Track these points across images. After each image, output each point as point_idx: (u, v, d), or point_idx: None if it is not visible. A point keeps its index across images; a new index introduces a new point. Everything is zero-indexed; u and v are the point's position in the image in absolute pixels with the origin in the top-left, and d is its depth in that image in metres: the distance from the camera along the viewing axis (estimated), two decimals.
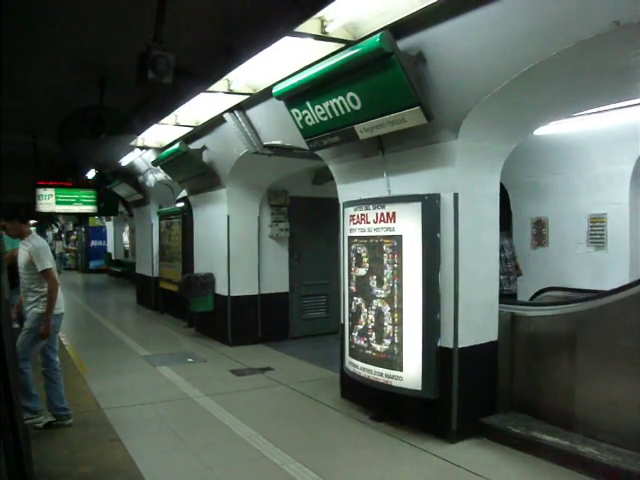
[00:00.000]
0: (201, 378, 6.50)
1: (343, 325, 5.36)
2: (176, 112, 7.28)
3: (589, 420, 4.13)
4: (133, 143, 9.40)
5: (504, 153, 4.73)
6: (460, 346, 4.42)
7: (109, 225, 26.62)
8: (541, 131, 6.17)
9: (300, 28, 4.23)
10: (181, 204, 11.30)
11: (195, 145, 8.48)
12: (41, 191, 12.69)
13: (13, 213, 5.02)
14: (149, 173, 11.73)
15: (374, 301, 4.76)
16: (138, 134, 8.72)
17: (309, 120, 5.11)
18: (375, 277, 4.75)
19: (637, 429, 3.82)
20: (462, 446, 4.38)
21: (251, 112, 6.77)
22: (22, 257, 4.92)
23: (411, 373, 4.49)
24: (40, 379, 4.91)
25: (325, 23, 4.33)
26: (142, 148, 10.12)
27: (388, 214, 4.61)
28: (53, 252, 24.81)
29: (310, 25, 4.26)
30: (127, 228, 24.60)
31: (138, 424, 5.04)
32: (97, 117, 7.37)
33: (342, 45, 4.54)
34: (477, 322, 4.58)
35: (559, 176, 7.44)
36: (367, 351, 4.84)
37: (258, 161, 7.51)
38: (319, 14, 4.17)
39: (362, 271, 4.91)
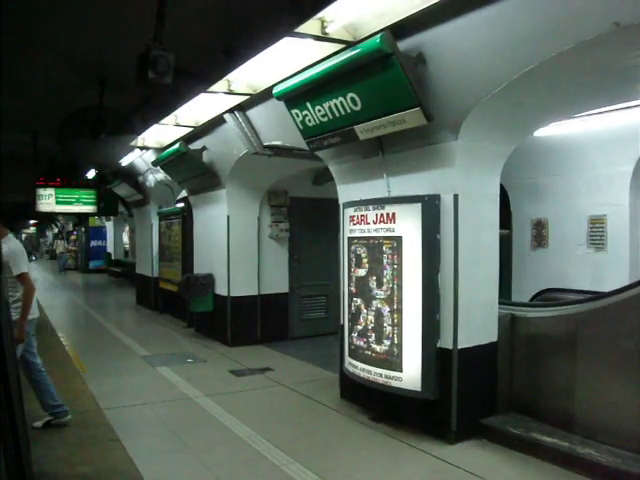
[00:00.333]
0: (201, 378, 6.49)
1: (343, 326, 5.36)
2: (176, 112, 7.27)
3: (589, 421, 4.13)
4: (133, 143, 9.41)
5: (504, 154, 4.73)
6: (460, 347, 4.42)
7: (109, 225, 26.63)
8: (541, 132, 6.17)
9: (300, 29, 4.23)
10: (181, 204, 11.31)
11: (195, 145, 8.49)
12: (41, 191, 12.71)
13: None
14: (149, 173, 11.73)
15: (374, 302, 4.76)
16: (138, 134, 8.73)
17: (309, 121, 5.12)
18: (375, 278, 4.75)
19: (637, 430, 3.82)
20: (461, 447, 4.38)
21: (251, 112, 6.77)
22: None
23: (411, 374, 4.49)
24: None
25: (325, 24, 4.33)
26: (142, 148, 10.12)
27: (388, 215, 4.61)
28: (54, 251, 24.85)
29: (310, 26, 4.26)
30: (127, 228, 24.62)
31: (137, 424, 5.04)
32: (97, 117, 7.38)
33: (342, 46, 4.54)
34: (477, 323, 4.58)
35: (559, 177, 7.43)
36: (367, 352, 4.84)
37: (258, 161, 7.51)
38: (319, 15, 4.16)
39: (362, 272, 4.91)
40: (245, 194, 8.52)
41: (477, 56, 3.88)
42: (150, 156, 10.55)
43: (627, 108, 5.59)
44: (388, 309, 4.63)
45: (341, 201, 5.64)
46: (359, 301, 4.95)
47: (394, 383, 4.58)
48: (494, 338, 4.70)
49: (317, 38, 4.41)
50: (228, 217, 8.41)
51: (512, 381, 4.73)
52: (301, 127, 5.31)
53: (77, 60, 6.26)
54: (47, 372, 4.87)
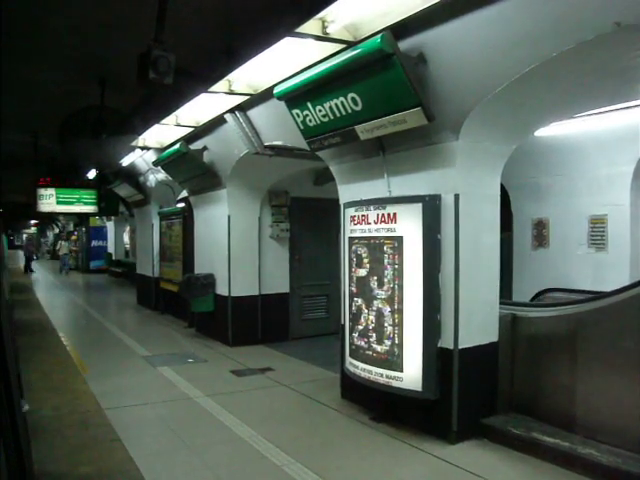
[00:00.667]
0: (201, 378, 6.50)
1: (343, 326, 5.36)
2: (177, 112, 7.28)
3: (589, 421, 4.13)
4: (134, 143, 9.42)
5: (505, 154, 4.73)
6: (460, 347, 4.42)
7: (110, 225, 26.64)
8: (542, 132, 6.18)
9: (301, 29, 4.23)
10: (182, 204, 11.31)
11: (196, 145, 8.49)
12: (42, 191, 12.72)
13: None
14: (150, 173, 11.74)
15: (375, 302, 4.76)
16: (139, 134, 8.74)
17: (310, 121, 5.12)
18: (376, 278, 4.75)
19: (637, 430, 3.82)
20: (462, 447, 4.38)
21: (252, 112, 6.77)
22: None
23: (411, 374, 4.49)
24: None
25: (326, 24, 4.33)
26: (143, 148, 10.13)
27: (389, 215, 4.61)
28: (57, 252, 24.63)
29: (311, 26, 4.27)
30: (128, 228, 24.62)
31: (139, 424, 5.04)
32: (98, 117, 7.38)
33: (343, 46, 4.54)
34: (478, 323, 4.58)
35: (560, 177, 7.43)
36: (367, 352, 4.84)
37: (259, 162, 7.52)
38: (320, 15, 4.17)
39: (363, 272, 4.91)
40: (246, 194, 8.52)
41: (478, 56, 3.88)
42: (151, 156, 10.55)
43: (628, 108, 5.59)
44: (389, 309, 4.63)
45: (342, 201, 5.64)
46: (360, 301, 4.95)
47: (395, 383, 4.59)
48: (495, 338, 4.70)
49: (318, 38, 4.42)
50: (229, 217, 8.41)
51: (513, 381, 4.73)
52: (302, 127, 5.31)
53: (78, 60, 6.27)
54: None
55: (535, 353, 4.61)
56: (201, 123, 7.81)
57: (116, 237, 26.43)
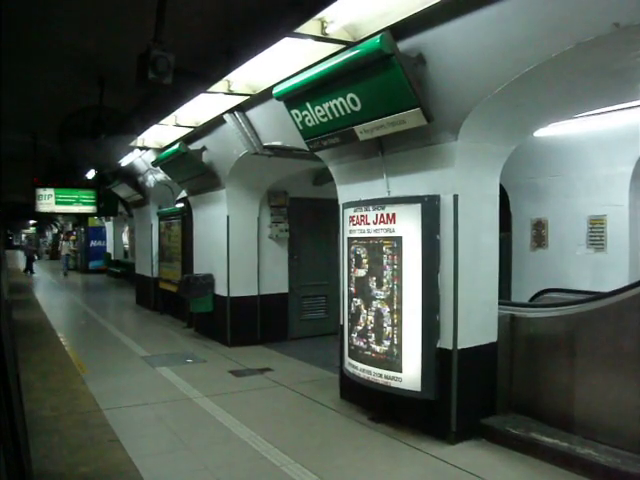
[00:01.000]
0: (200, 379, 6.49)
1: (342, 326, 5.36)
2: (176, 112, 7.28)
3: (588, 422, 4.13)
4: (133, 144, 9.41)
5: (504, 154, 4.74)
6: (460, 347, 4.42)
7: (109, 225, 26.61)
8: (541, 132, 6.17)
9: (300, 29, 4.23)
10: (181, 205, 11.31)
11: (195, 146, 8.48)
12: (41, 191, 12.70)
13: None
14: (149, 174, 11.73)
15: (374, 302, 4.76)
16: (138, 134, 8.73)
17: (309, 121, 5.12)
18: (375, 278, 4.75)
19: (636, 431, 3.82)
20: (461, 447, 4.39)
21: (251, 113, 6.77)
22: None
23: (410, 374, 4.49)
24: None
25: (325, 24, 4.33)
26: (142, 149, 10.13)
27: (388, 215, 4.61)
28: (58, 252, 24.47)
29: (310, 26, 4.27)
30: (127, 228, 24.59)
31: (137, 425, 5.04)
32: (97, 117, 7.37)
33: (342, 46, 4.54)
34: (477, 323, 4.58)
35: (559, 177, 7.44)
36: (366, 352, 4.84)
37: (258, 162, 7.52)
38: (319, 15, 4.17)
39: (362, 272, 4.91)
40: (245, 194, 8.52)
41: (477, 57, 3.88)
42: (150, 156, 10.54)
43: (627, 108, 5.59)
44: (388, 309, 4.63)
45: (341, 201, 5.64)
46: (359, 301, 4.95)
47: (394, 383, 4.59)
48: (494, 338, 4.70)
49: (317, 38, 4.42)
50: (228, 217, 8.41)
51: (512, 381, 4.73)
52: (301, 127, 5.31)
53: (77, 60, 6.26)
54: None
55: (534, 353, 4.62)
56: (200, 123, 7.81)
57: (115, 237, 26.40)
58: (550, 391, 4.49)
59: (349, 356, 5.15)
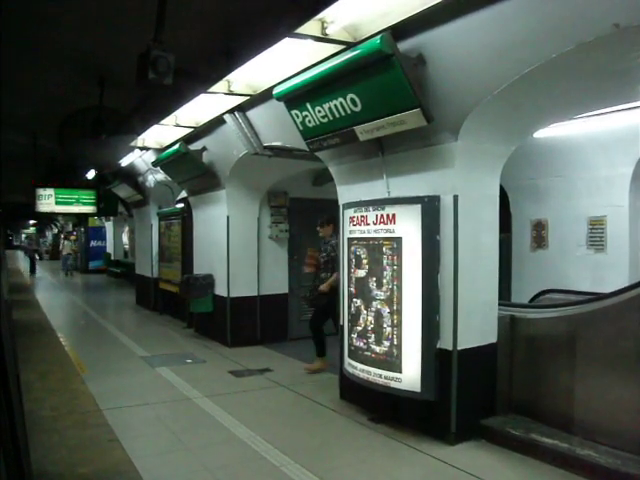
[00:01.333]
0: (200, 379, 6.49)
1: (342, 326, 5.36)
2: (176, 113, 7.28)
3: (588, 423, 4.13)
4: (133, 144, 9.41)
5: (504, 155, 4.74)
6: (459, 348, 4.42)
7: (109, 225, 26.62)
8: (541, 133, 6.17)
9: (300, 29, 4.23)
10: (181, 205, 11.31)
11: (195, 146, 8.48)
12: (41, 191, 12.70)
13: None
14: (149, 174, 11.73)
15: (373, 303, 4.76)
16: (138, 135, 8.73)
17: (309, 121, 5.12)
18: (375, 279, 4.75)
19: (636, 432, 3.82)
20: (461, 448, 4.38)
21: (251, 113, 6.77)
22: None
23: (410, 375, 4.48)
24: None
25: (325, 25, 4.33)
26: (142, 149, 10.13)
27: (388, 216, 4.61)
28: (60, 252, 24.31)
29: (310, 26, 4.26)
30: (127, 229, 24.60)
31: (137, 425, 5.04)
32: (97, 117, 7.38)
33: (342, 47, 4.54)
34: (476, 324, 4.58)
35: (559, 178, 7.44)
36: (366, 352, 4.84)
37: (258, 162, 7.51)
38: (319, 15, 4.17)
39: (362, 272, 4.91)
40: (245, 195, 8.52)
41: (477, 57, 3.88)
42: (150, 156, 10.54)
43: (627, 109, 5.59)
44: (388, 310, 4.63)
45: (341, 202, 5.64)
46: (359, 302, 4.95)
47: (394, 384, 4.58)
48: (494, 339, 4.70)
49: (317, 39, 4.42)
50: (228, 218, 8.41)
51: (512, 382, 4.73)
52: (301, 128, 5.31)
53: (77, 60, 6.26)
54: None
55: (534, 354, 4.61)
56: (200, 124, 7.81)
57: (115, 237, 26.41)
58: (550, 392, 4.48)
59: (349, 356, 5.15)
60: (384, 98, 4.29)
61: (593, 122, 6.14)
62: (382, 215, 4.66)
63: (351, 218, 5.04)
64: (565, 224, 7.44)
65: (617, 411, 3.96)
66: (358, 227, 4.94)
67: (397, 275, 4.55)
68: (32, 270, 24.96)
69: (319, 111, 4.90)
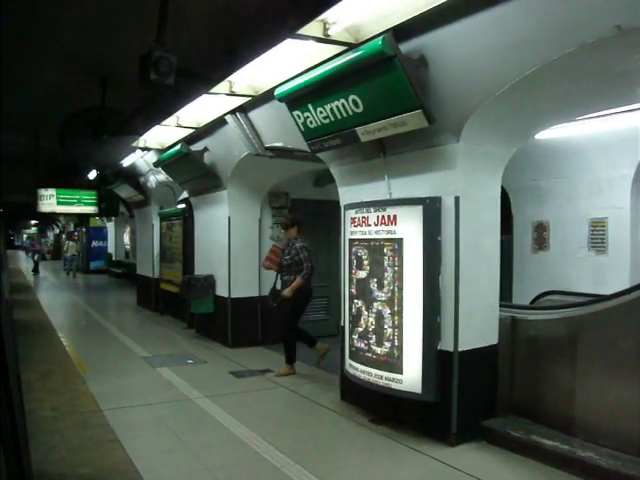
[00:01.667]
0: (201, 379, 6.49)
1: (343, 327, 5.36)
2: (178, 113, 7.29)
3: (589, 424, 4.13)
4: (135, 144, 9.42)
5: (505, 156, 4.73)
6: (460, 349, 4.42)
7: (110, 226, 26.63)
8: (543, 135, 6.17)
9: (302, 31, 4.23)
10: (182, 205, 11.31)
11: (197, 147, 8.49)
12: (42, 191, 12.71)
13: None
14: (150, 174, 11.74)
15: (374, 304, 4.76)
16: (140, 135, 8.74)
17: (311, 122, 5.12)
18: (376, 280, 4.75)
19: (637, 433, 3.81)
20: (462, 449, 4.38)
21: (253, 114, 6.78)
22: None
23: (411, 376, 4.48)
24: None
25: (327, 26, 4.34)
26: (144, 149, 10.14)
27: (389, 217, 4.61)
28: (64, 253, 23.89)
29: (312, 28, 4.27)
30: (128, 229, 24.61)
31: (138, 425, 5.03)
32: (99, 118, 7.38)
33: (344, 48, 4.55)
34: (477, 325, 4.58)
35: (560, 180, 7.43)
36: (367, 354, 4.84)
37: (259, 163, 7.52)
38: (321, 17, 4.18)
39: (363, 274, 4.91)
40: (246, 195, 8.52)
41: (479, 59, 3.88)
42: (151, 157, 10.55)
43: (629, 111, 5.59)
44: (389, 311, 4.62)
45: (342, 203, 5.64)
46: (360, 303, 4.95)
47: (394, 385, 4.58)
48: (495, 341, 4.69)
49: (319, 40, 4.42)
50: (229, 218, 8.41)
51: (513, 384, 4.72)
52: (302, 129, 5.31)
53: (79, 61, 6.27)
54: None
55: (535, 356, 4.61)
56: (202, 124, 7.82)
57: (116, 238, 26.41)
58: (551, 393, 4.48)
59: (350, 358, 5.15)
60: (386, 99, 4.29)
61: (594, 124, 6.13)
62: (383, 216, 4.66)
63: (352, 219, 5.04)
64: (566, 226, 7.43)
65: (618, 413, 3.96)
66: (359, 228, 4.94)
67: (398, 276, 4.54)
68: (35, 270, 24.94)
69: (321, 112, 4.90)
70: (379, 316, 4.71)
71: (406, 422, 4.84)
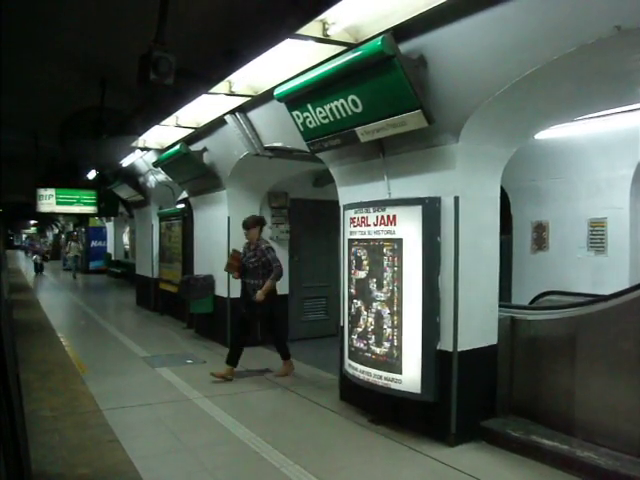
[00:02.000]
0: (200, 379, 6.49)
1: (343, 328, 5.36)
2: (177, 113, 7.28)
3: (588, 424, 4.13)
4: (134, 144, 9.42)
5: (505, 157, 4.74)
6: (460, 349, 4.42)
7: (109, 226, 26.62)
8: (542, 135, 6.17)
9: (302, 31, 4.23)
10: (181, 205, 11.31)
11: (196, 147, 8.49)
12: (41, 191, 12.70)
13: None
14: (150, 174, 11.74)
15: (374, 304, 4.76)
16: (139, 135, 8.73)
17: (310, 122, 5.12)
18: (375, 280, 4.75)
19: (636, 434, 3.82)
20: (461, 449, 4.38)
21: (252, 114, 6.77)
22: None
23: (410, 376, 4.48)
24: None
25: (327, 26, 4.34)
26: (143, 149, 10.13)
27: (388, 217, 4.62)
28: (67, 253, 23.72)
29: (312, 28, 4.27)
30: (127, 229, 24.60)
31: (137, 425, 5.03)
32: (98, 118, 7.39)
33: (344, 48, 4.55)
34: (477, 325, 4.58)
35: (560, 180, 7.43)
36: (366, 354, 4.84)
37: (259, 163, 7.51)
38: (321, 17, 4.18)
39: (362, 274, 4.91)
40: (246, 195, 8.52)
41: (478, 59, 3.88)
42: (151, 157, 10.55)
43: (628, 111, 5.59)
44: (388, 311, 4.63)
45: (342, 203, 5.64)
46: (359, 303, 4.95)
47: (394, 385, 4.58)
48: (494, 341, 4.69)
49: (319, 40, 4.42)
50: (228, 218, 8.41)
51: (512, 384, 4.73)
52: (302, 129, 5.31)
53: (78, 61, 6.27)
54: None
55: (534, 356, 4.61)
56: (201, 124, 7.81)
57: (116, 238, 26.41)
58: (550, 394, 4.48)
59: (349, 358, 5.15)
60: (385, 99, 4.29)
61: (594, 124, 6.13)
62: (383, 216, 4.66)
63: (352, 219, 5.04)
64: (566, 226, 7.43)
65: (617, 413, 3.96)
66: (359, 228, 4.94)
67: (397, 276, 4.55)
68: (38, 270, 24.89)
69: (320, 112, 4.90)
70: (378, 316, 4.72)
71: (405, 422, 4.84)
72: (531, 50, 3.56)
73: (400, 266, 4.53)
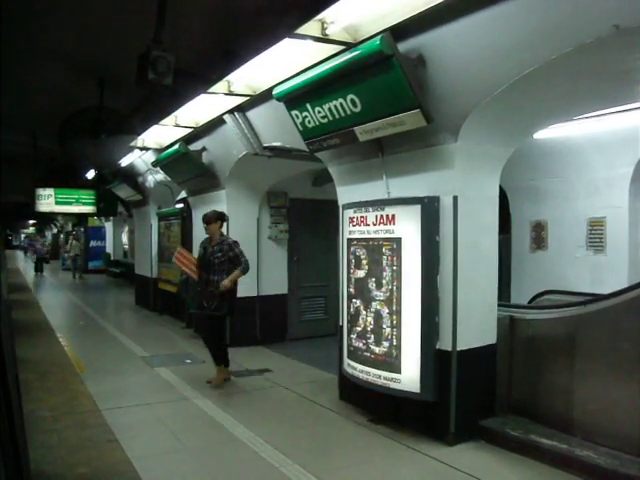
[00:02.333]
0: (199, 379, 6.48)
1: (342, 327, 5.36)
2: (176, 113, 7.28)
3: (587, 423, 4.13)
4: (133, 144, 9.41)
5: (504, 156, 4.74)
6: (459, 349, 4.42)
7: (108, 225, 26.59)
8: (541, 134, 6.18)
9: (300, 30, 4.23)
10: (180, 205, 11.31)
11: (195, 146, 8.49)
12: (40, 191, 12.71)
13: None
14: (149, 174, 11.73)
15: (373, 303, 4.76)
16: (138, 135, 8.73)
17: (309, 122, 5.12)
18: (374, 279, 4.75)
19: (635, 433, 3.82)
20: (460, 449, 4.38)
21: (251, 113, 6.77)
22: None
23: (410, 375, 4.48)
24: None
25: (326, 25, 4.34)
26: (142, 149, 10.12)
27: (387, 216, 4.62)
28: (68, 253, 23.55)
29: (310, 27, 4.27)
30: (126, 229, 24.58)
31: (136, 425, 5.03)
32: (97, 118, 7.38)
33: (342, 47, 4.55)
34: (476, 325, 4.58)
35: (558, 179, 7.44)
36: (366, 353, 4.84)
37: (258, 163, 7.52)
38: (320, 16, 4.17)
39: (361, 273, 4.91)
40: (244, 195, 8.52)
41: (477, 58, 3.89)
42: (150, 157, 10.54)
43: (627, 111, 5.59)
44: (387, 310, 4.63)
45: (341, 202, 5.64)
46: (358, 302, 4.95)
47: (393, 385, 4.58)
48: (493, 340, 4.70)
49: (317, 39, 4.42)
50: (227, 218, 8.39)
51: (511, 383, 4.73)
52: (301, 128, 5.31)
53: (77, 60, 6.26)
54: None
55: (533, 355, 4.62)
56: (200, 124, 7.81)
57: (115, 237, 26.37)
58: (549, 393, 4.49)
59: (348, 357, 5.15)
60: (384, 99, 4.29)
61: (592, 123, 6.14)
62: (382, 216, 4.66)
63: (351, 219, 5.04)
64: (564, 225, 7.43)
65: (616, 412, 3.97)
66: (358, 227, 4.94)
67: (397, 276, 4.55)
68: (38, 270, 24.85)
69: (319, 112, 4.90)
70: (377, 315, 4.72)
71: (405, 421, 4.84)
72: (530, 49, 3.56)
73: (399, 265, 4.53)
